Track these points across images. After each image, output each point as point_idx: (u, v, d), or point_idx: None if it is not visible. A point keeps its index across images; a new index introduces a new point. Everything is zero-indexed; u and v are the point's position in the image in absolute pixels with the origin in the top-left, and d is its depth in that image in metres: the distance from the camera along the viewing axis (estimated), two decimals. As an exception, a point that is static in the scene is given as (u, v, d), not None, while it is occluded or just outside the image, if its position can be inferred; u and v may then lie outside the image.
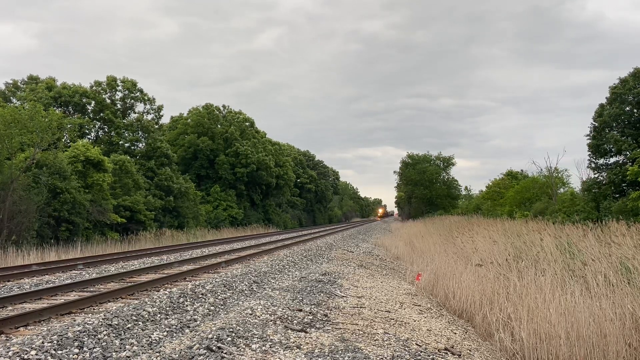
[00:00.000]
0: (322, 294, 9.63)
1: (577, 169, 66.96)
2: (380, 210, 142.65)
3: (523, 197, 35.44)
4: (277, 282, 11.64)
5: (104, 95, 34.65)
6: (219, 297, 9.33)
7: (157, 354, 5.47)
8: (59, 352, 5.47)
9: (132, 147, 36.03)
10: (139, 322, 7.01)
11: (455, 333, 8.45)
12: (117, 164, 29.07)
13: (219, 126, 49.20)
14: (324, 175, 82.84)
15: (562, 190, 36.06)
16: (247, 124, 52.23)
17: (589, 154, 27.84)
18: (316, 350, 5.74)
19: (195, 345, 5.73)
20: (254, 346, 5.83)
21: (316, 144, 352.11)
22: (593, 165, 27.83)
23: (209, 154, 47.23)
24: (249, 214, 49.48)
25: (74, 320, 6.95)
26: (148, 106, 37.48)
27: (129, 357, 5.53)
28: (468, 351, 7.24)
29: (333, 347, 5.90)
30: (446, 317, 10.06)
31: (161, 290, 10.10)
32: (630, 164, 23.74)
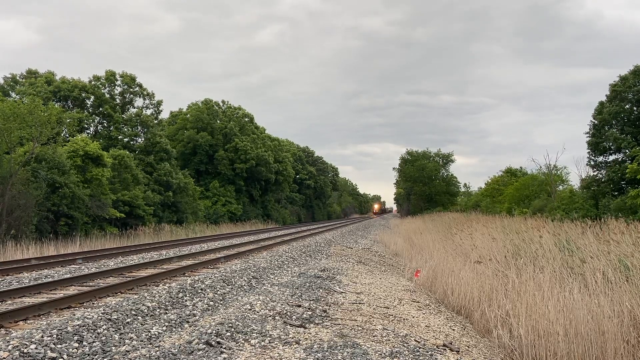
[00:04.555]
0: (321, 290, 9.64)
1: (576, 166, 66.99)
2: (376, 206, 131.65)
3: (522, 194, 35.48)
4: (276, 278, 11.65)
5: (102, 90, 34.56)
6: (218, 293, 9.34)
7: (157, 349, 5.48)
8: (59, 346, 5.47)
9: (131, 142, 35.97)
10: (138, 317, 7.02)
11: (454, 329, 8.47)
12: (116, 158, 29.03)
13: (218, 121, 49.14)
14: (323, 171, 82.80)
15: (561, 187, 36.11)
16: (246, 119, 52.16)
17: (589, 152, 27.89)
18: (315, 346, 5.75)
19: (194, 340, 5.75)
20: (253, 341, 5.84)
21: (316, 140, 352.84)
22: (592, 162, 27.86)
23: (208, 150, 47.19)
24: (248, 210, 49.48)
25: (74, 315, 6.95)
26: (147, 101, 37.43)
27: (128, 351, 5.53)
28: (466, 347, 7.26)
29: (332, 342, 5.91)
30: (445, 313, 10.07)
31: (160, 285, 10.11)
32: (629, 161, 23.76)
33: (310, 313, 7.52)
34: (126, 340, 5.96)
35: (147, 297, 8.12)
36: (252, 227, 42.93)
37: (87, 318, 6.47)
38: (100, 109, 34.01)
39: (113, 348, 5.63)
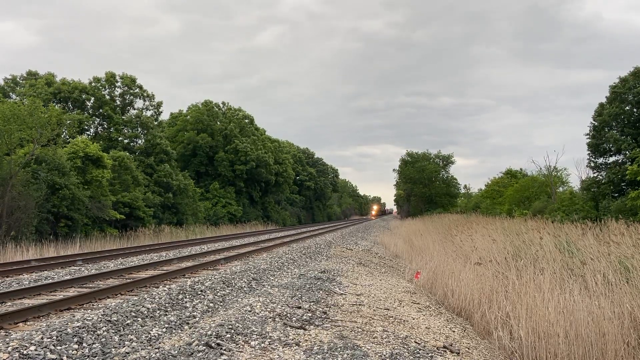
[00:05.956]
0: (321, 292, 9.64)
1: (576, 168, 66.97)
2: (375, 208, 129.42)
3: (522, 195, 35.48)
4: (276, 280, 11.64)
5: (103, 92, 34.58)
6: (218, 294, 9.33)
7: (157, 350, 5.48)
8: (58, 347, 5.46)
9: (132, 144, 35.99)
10: (138, 319, 7.01)
11: (454, 331, 8.46)
12: (116, 160, 29.03)
13: (218, 123, 49.15)
14: (323, 172, 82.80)
15: (561, 189, 36.12)
16: (246, 120, 52.17)
17: (589, 153, 27.89)
18: (315, 348, 5.74)
19: (194, 341, 5.74)
20: (253, 343, 5.83)
21: (316, 141, 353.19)
22: (592, 164, 27.86)
23: (208, 151, 47.19)
24: (248, 211, 49.47)
25: (73, 316, 6.95)
26: (147, 102, 37.44)
27: (128, 353, 5.52)
28: (467, 349, 7.25)
29: (332, 344, 5.90)
30: (445, 315, 10.06)
31: (160, 286, 10.10)
32: (629, 163, 23.76)
33: (310, 315, 7.51)
34: (126, 342, 5.95)
35: (147, 299, 8.11)
36: (252, 229, 42.91)
37: (86, 319, 6.46)
38: (101, 110, 34.02)
39: (113, 350, 5.63)
